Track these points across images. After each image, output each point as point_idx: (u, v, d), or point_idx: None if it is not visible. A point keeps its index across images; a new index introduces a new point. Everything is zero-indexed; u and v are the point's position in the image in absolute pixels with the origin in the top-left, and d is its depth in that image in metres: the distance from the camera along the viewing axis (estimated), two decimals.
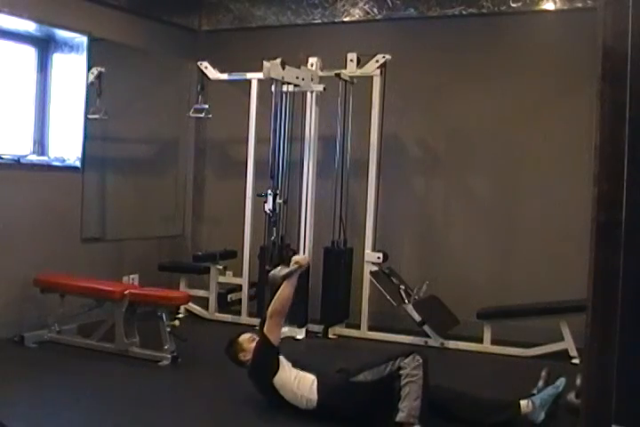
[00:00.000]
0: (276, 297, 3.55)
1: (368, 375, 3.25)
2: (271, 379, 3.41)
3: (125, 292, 4.41)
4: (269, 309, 3.55)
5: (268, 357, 3.46)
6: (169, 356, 4.24)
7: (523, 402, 3.27)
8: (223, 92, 5.78)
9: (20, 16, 4.67)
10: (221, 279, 5.65)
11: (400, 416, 3.05)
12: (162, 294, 4.55)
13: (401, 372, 3.12)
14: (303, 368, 3.46)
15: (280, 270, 3.63)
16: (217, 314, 5.58)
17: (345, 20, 5.67)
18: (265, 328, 3.51)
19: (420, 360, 3.14)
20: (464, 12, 5.27)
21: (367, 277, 5.14)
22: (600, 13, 1.70)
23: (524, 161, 5.24)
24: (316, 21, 5.75)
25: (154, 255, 5.86)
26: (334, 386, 3.35)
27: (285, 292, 3.55)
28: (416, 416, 3.03)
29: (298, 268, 3.62)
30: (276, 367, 3.43)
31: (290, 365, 3.48)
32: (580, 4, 4.94)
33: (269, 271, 4.92)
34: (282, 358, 3.50)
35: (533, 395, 3.32)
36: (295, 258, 3.72)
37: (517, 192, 5.28)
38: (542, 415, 3.24)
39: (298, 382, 3.39)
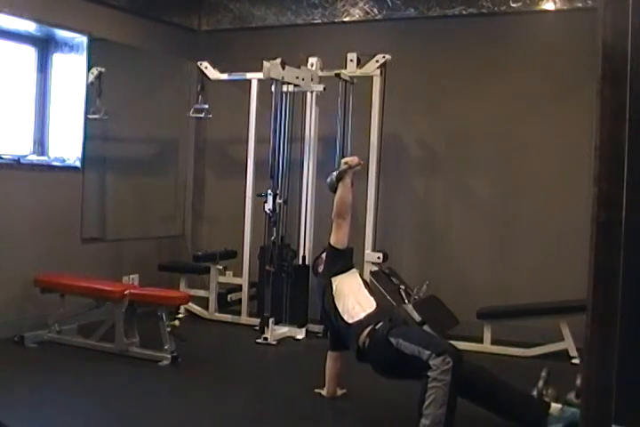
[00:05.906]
0: (334, 201, 3.68)
1: (400, 343, 3.10)
2: (332, 275, 3.59)
3: (125, 292, 4.41)
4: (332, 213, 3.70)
5: (334, 259, 3.66)
6: (169, 356, 4.24)
7: (554, 404, 3.18)
8: (223, 92, 5.78)
9: (20, 16, 4.67)
10: (221, 279, 5.65)
11: (423, 424, 2.89)
12: (162, 294, 4.56)
13: (429, 373, 2.91)
14: (373, 294, 3.57)
15: (333, 175, 3.71)
16: (217, 314, 5.58)
17: (345, 19, 5.66)
18: (331, 235, 3.68)
19: (451, 364, 2.90)
20: (464, 12, 5.27)
21: (367, 277, 5.14)
22: (600, 13, 1.70)
23: (524, 161, 5.24)
24: (316, 21, 5.74)
25: (154, 255, 5.86)
26: (375, 331, 3.26)
27: (340, 193, 3.67)
28: (441, 424, 2.87)
29: (347, 168, 3.71)
30: (340, 267, 3.62)
31: (361, 281, 3.65)
32: (580, 4, 4.94)
33: (269, 271, 4.97)
34: (354, 270, 3.69)
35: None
36: (344, 159, 3.82)
37: (517, 192, 5.28)
38: None
39: (359, 296, 3.49)
